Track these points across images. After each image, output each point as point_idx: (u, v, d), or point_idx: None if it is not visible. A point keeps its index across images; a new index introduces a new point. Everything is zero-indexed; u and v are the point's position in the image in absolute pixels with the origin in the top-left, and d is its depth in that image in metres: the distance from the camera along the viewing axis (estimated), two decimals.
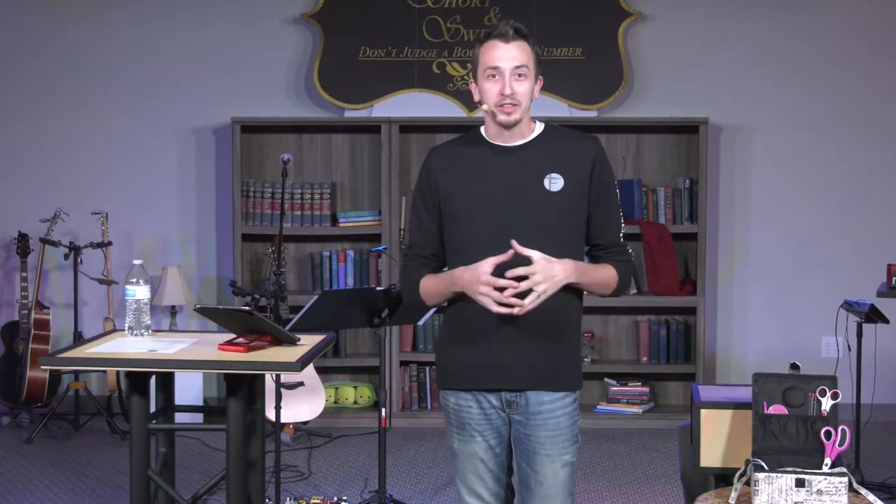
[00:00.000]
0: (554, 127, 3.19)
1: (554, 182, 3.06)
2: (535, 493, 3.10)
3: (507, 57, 3.01)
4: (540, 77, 3.12)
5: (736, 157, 6.85)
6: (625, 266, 3.15)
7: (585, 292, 3.15)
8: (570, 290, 3.06)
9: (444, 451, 6.06)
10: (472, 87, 3.12)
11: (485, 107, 3.06)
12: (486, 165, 3.09)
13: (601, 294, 3.14)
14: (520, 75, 3.03)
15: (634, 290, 6.73)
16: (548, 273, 2.94)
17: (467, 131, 3.24)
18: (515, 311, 2.94)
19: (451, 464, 3.20)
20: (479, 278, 2.94)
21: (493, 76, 3.03)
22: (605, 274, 3.12)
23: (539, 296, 2.94)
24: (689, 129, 6.68)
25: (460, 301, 3.07)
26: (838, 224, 6.84)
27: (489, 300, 2.95)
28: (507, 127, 3.07)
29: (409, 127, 6.70)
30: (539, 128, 3.15)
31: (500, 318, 2.99)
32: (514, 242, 2.95)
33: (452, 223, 3.10)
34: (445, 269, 3.18)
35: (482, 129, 3.16)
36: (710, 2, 6.84)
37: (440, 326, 3.22)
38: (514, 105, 3.03)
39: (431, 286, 3.12)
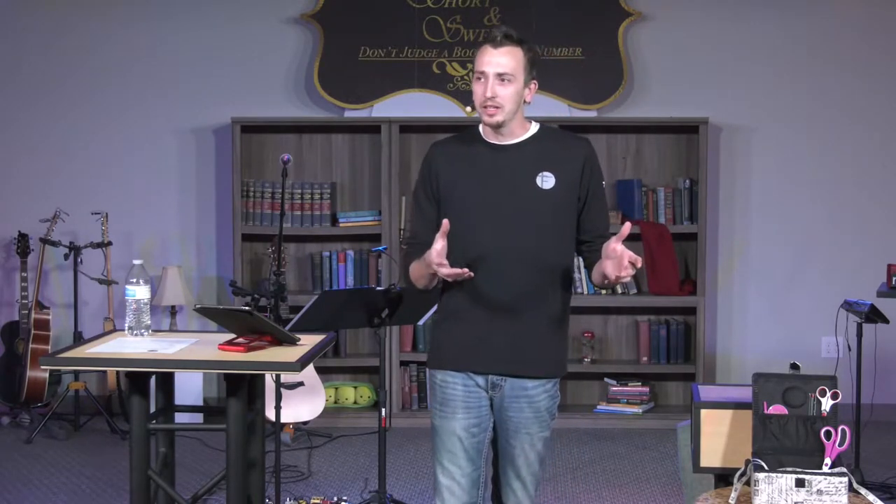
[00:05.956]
0: (549, 128, 3.37)
1: (546, 180, 3.24)
2: (516, 463, 3.31)
3: (493, 62, 3.19)
4: (534, 81, 3.28)
5: (736, 157, 6.85)
6: None
7: (574, 284, 3.30)
8: (556, 280, 3.26)
9: None
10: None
11: (468, 108, 3.24)
12: (481, 162, 3.28)
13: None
14: (504, 80, 3.19)
15: (634, 290, 6.73)
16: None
17: (467, 129, 3.42)
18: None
19: (432, 443, 3.34)
20: (430, 256, 3.13)
21: (480, 79, 3.22)
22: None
23: None
24: (689, 129, 6.68)
25: (453, 287, 3.26)
26: (838, 224, 6.84)
27: (441, 271, 3.13)
28: (493, 127, 3.25)
29: (409, 127, 6.69)
30: (534, 128, 3.32)
31: (490, 305, 3.21)
32: None
33: (450, 215, 3.23)
34: None
35: (480, 127, 3.34)
36: (710, 2, 6.84)
37: (436, 312, 3.42)
38: (496, 108, 3.20)
39: (415, 267, 3.30)
